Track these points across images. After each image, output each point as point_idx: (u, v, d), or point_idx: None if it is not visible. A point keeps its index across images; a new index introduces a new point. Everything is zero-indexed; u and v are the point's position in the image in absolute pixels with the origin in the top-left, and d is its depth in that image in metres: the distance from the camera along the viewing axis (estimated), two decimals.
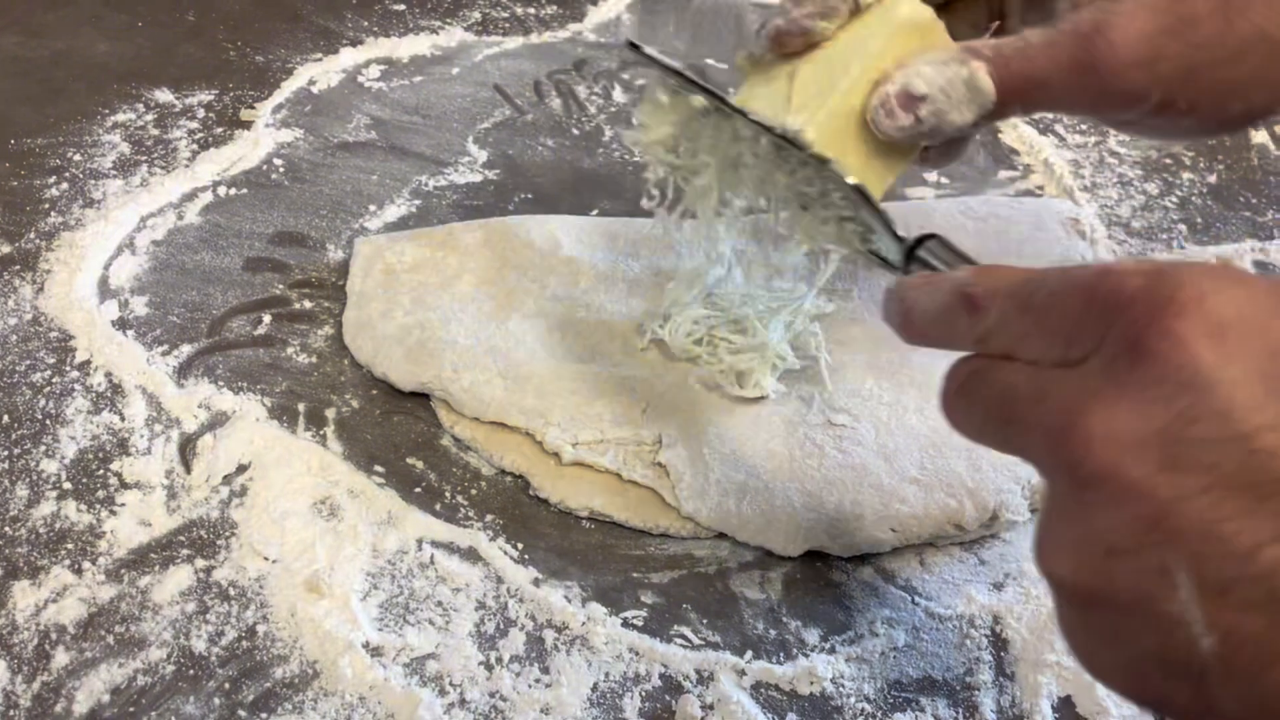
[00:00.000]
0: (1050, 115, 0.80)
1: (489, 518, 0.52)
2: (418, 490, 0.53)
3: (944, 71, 0.42)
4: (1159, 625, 0.27)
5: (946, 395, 0.35)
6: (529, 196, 0.70)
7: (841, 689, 0.47)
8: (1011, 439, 0.32)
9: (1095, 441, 0.28)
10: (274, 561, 0.49)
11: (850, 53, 0.44)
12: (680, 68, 0.45)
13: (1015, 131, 0.78)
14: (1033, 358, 0.31)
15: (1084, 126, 0.79)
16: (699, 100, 0.47)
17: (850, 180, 0.42)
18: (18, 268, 0.62)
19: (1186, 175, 0.75)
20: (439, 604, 0.49)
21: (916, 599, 0.50)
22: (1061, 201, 0.70)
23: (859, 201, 0.43)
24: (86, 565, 0.49)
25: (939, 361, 0.36)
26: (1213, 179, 0.75)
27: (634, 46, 0.47)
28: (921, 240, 0.41)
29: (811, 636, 0.49)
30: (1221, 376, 0.26)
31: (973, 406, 0.33)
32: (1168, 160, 0.77)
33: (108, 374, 0.57)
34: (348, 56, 0.81)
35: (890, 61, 0.43)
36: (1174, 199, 0.73)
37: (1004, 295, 0.32)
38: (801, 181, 0.46)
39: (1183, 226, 0.71)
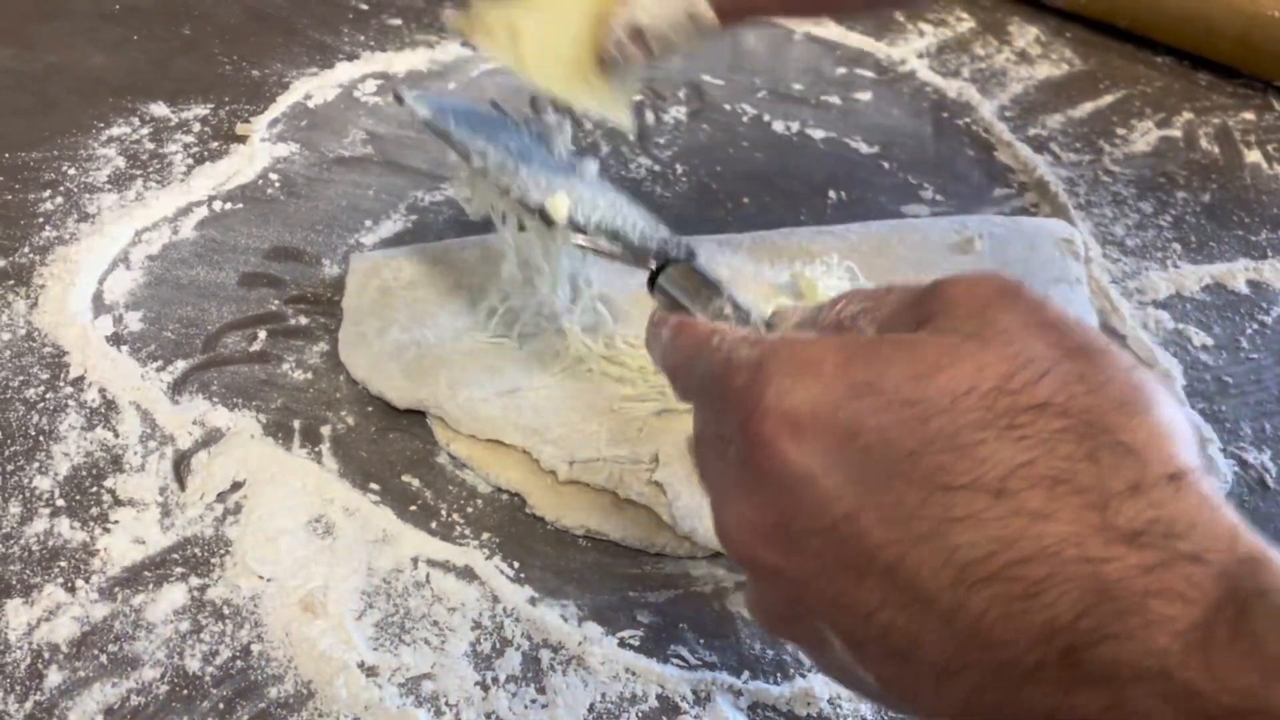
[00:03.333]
0: (1044, 134, 0.80)
1: (485, 536, 0.52)
2: (413, 508, 0.53)
3: (666, 5, 0.45)
4: (834, 665, 0.31)
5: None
6: None
7: (839, 710, 0.47)
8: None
9: (732, 532, 0.32)
10: (268, 580, 0.49)
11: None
12: (433, 122, 0.51)
13: (1010, 150, 0.79)
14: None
15: (1078, 145, 0.80)
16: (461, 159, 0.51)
17: (578, 242, 0.48)
18: (11, 282, 0.61)
19: (1180, 194, 0.76)
20: (435, 623, 0.48)
21: None
22: (1056, 221, 0.70)
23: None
24: (80, 583, 0.48)
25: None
26: (1206, 198, 0.76)
27: (398, 99, 0.53)
28: (662, 267, 0.45)
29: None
30: (807, 473, 0.29)
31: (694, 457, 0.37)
32: (1162, 179, 0.77)
33: (101, 390, 0.56)
34: (344, 71, 0.80)
35: None
36: (1168, 217, 0.74)
37: (679, 369, 0.37)
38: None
39: (1177, 245, 0.71)
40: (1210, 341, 0.65)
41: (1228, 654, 0.24)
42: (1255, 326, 0.66)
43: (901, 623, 0.28)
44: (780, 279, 0.63)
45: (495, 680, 0.47)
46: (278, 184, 0.70)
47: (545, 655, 0.48)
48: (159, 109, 0.75)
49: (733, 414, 0.31)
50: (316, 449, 0.55)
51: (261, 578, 0.49)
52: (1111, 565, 0.25)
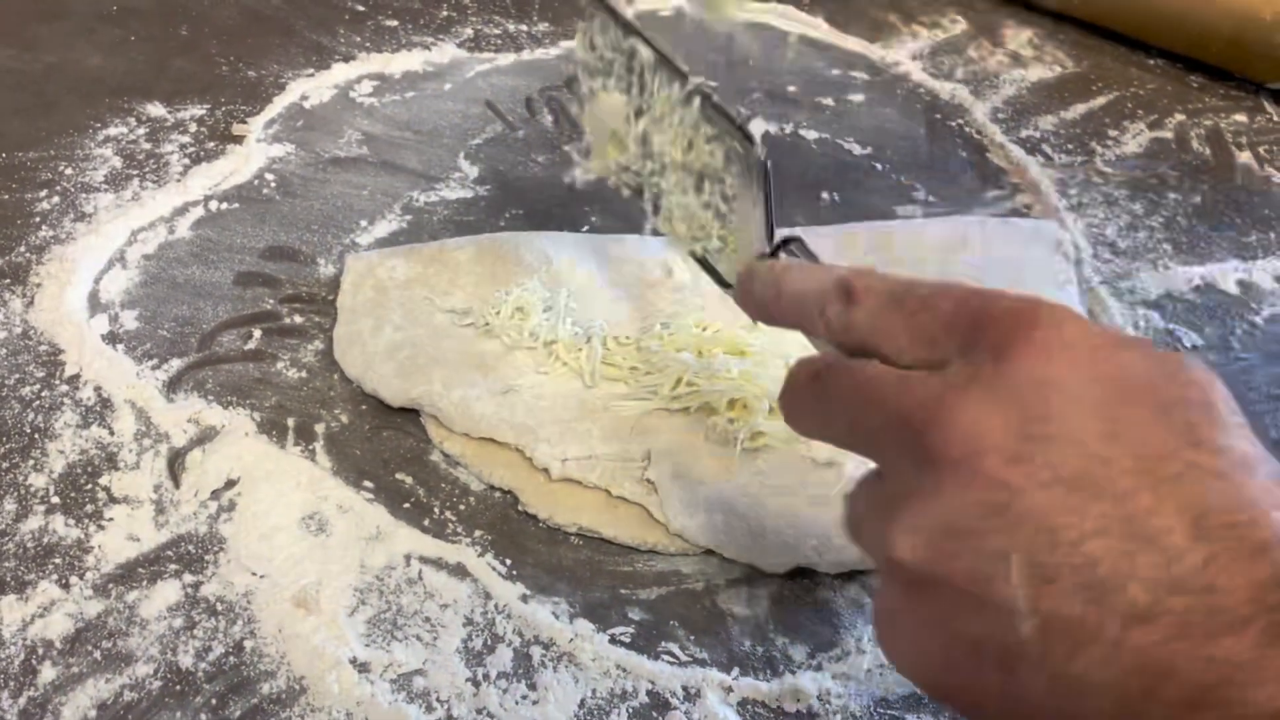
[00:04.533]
0: (1036, 136, 0.81)
1: (477, 533, 0.53)
2: (406, 505, 0.53)
3: None
4: (986, 607, 0.29)
5: (794, 386, 0.38)
6: (520, 212, 0.71)
7: (828, 706, 0.47)
8: (861, 428, 0.35)
9: (957, 431, 0.30)
10: (262, 577, 0.49)
11: None
12: (631, 19, 0.50)
13: (1003, 151, 0.79)
14: (893, 354, 0.35)
15: (1071, 146, 0.80)
16: (645, 49, 0.50)
17: (760, 155, 0.44)
18: (8, 281, 0.62)
19: (1172, 195, 0.76)
20: (427, 620, 0.49)
21: None
22: (1047, 222, 0.70)
23: (759, 176, 0.45)
24: (74, 580, 0.49)
25: None
26: (1198, 199, 0.76)
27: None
28: (786, 242, 0.45)
29: (798, 653, 0.49)
30: (1069, 384, 0.30)
31: (824, 396, 0.37)
32: (1154, 180, 0.77)
33: (97, 388, 0.57)
34: (340, 72, 0.81)
35: None
36: (1159, 218, 0.74)
37: (879, 292, 0.36)
38: (707, 152, 0.49)
39: (1168, 246, 0.72)
40: (1201, 342, 0.65)
41: None
42: (1246, 327, 0.67)
43: (1114, 556, 0.28)
44: None
45: (486, 676, 0.47)
46: (273, 184, 0.71)
47: (536, 652, 0.48)
48: (156, 109, 0.75)
49: (990, 326, 0.32)
50: (310, 447, 0.55)
51: (255, 574, 0.49)
52: None
